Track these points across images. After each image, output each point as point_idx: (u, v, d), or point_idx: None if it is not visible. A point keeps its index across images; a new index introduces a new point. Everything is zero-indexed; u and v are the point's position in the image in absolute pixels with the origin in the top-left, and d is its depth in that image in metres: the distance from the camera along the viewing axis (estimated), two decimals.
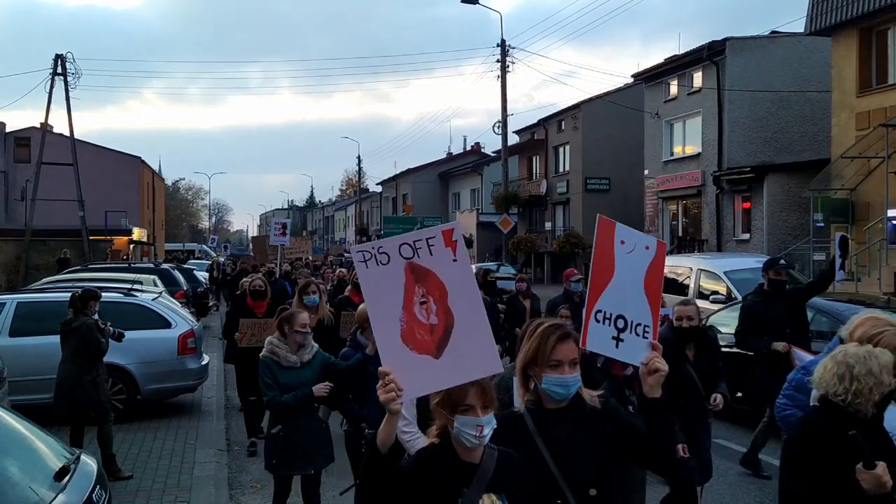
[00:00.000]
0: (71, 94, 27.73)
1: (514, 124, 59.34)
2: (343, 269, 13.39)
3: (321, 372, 5.14)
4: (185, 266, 25.93)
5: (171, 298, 12.54)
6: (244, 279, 10.40)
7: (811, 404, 3.22)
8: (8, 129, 42.52)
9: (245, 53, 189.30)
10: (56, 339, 7.22)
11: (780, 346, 6.44)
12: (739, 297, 10.67)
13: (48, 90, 27.35)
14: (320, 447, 5.14)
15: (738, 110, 25.00)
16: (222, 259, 35.41)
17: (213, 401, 10.37)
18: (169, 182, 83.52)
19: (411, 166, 57.42)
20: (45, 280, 16.44)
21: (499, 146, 33.49)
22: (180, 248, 58.75)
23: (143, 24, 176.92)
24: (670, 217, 29.20)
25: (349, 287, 8.68)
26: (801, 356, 6.18)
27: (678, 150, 28.45)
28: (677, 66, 27.45)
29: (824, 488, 2.77)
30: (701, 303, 9.30)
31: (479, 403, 2.43)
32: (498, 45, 31.33)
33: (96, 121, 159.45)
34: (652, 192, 29.48)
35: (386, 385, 2.34)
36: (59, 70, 27.48)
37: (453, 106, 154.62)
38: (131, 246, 38.14)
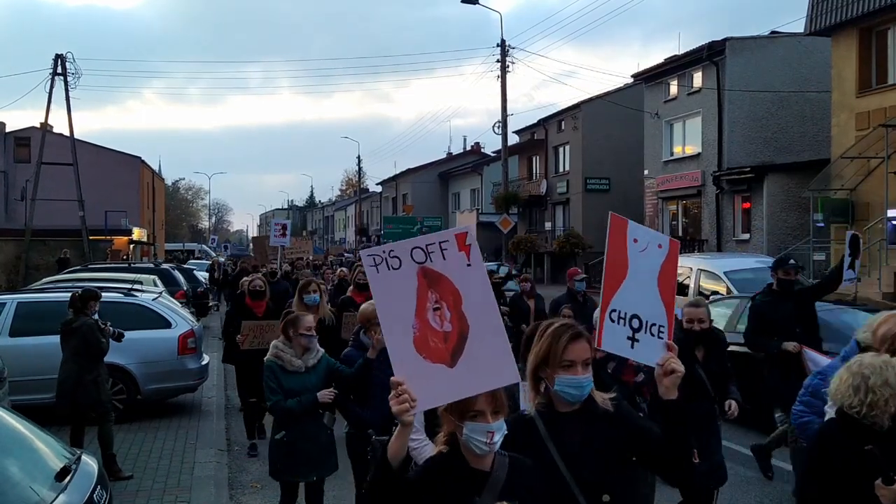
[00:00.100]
0: (71, 94, 27.78)
1: (514, 124, 59.40)
2: (344, 269, 13.36)
3: (326, 377, 5.05)
4: (184, 266, 25.94)
5: (171, 298, 12.54)
6: (244, 279, 10.40)
7: (826, 417, 3.14)
8: (8, 129, 42.51)
9: (245, 53, 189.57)
10: (56, 339, 7.22)
11: (790, 346, 6.32)
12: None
13: (48, 90, 27.38)
14: (325, 454, 5.07)
15: (738, 110, 25.01)
16: (222, 259, 35.41)
17: (214, 401, 10.37)
18: (169, 182, 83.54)
19: (411, 166, 57.47)
20: (45, 280, 16.43)
21: (499, 146, 33.51)
22: (180, 248, 58.72)
23: (143, 24, 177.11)
24: (670, 217, 29.20)
25: (351, 288, 8.62)
26: (813, 356, 6.12)
27: (678, 151, 28.46)
28: (677, 66, 27.46)
29: (838, 501, 2.71)
30: None
31: (489, 409, 2.35)
32: (498, 45, 31.34)
33: (96, 121, 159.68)
34: (652, 192, 29.49)
35: (399, 395, 2.25)
36: (59, 70, 27.48)
37: (453, 106, 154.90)
38: (131, 246, 38.16)
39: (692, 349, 5.08)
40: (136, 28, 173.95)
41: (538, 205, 39.54)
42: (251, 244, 36.55)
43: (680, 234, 28.20)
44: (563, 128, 37.28)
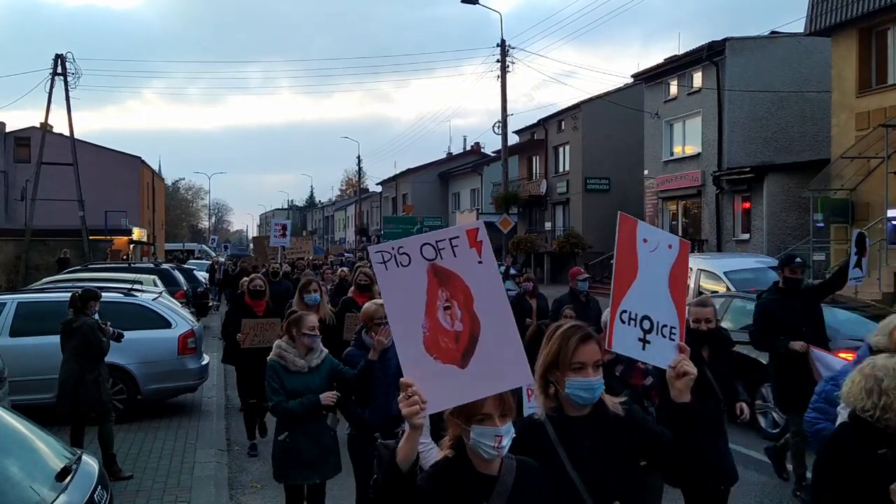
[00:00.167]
0: (71, 94, 27.81)
1: (513, 124, 59.41)
2: (345, 269, 13.36)
3: (329, 378, 4.98)
4: (184, 266, 25.95)
5: (171, 298, 12.55)
6: (243, 279, 10.40)
7: (839, 420, 3.09)
8: (8, 129, 42.51)
9: (245, 53, 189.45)
10: (56, 339, 7.23)
11: (798, 345, 6.23)
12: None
13: (48, 90, 27.40)
14: (327, 456, 4.99)
15: (738, 110, 25.01)
16: (222, 259, 35.41)
17: (214, 401, 10.37)
18: (169, 182, 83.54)
19: (411, 166, 57.41)
20: (45, 280, 16.44)
21: (499, 146, 33.50)
22: (180, 248, 58.73)
23: (143, 24, 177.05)
24: (670, 217, 29.20)
25: (352, 289, 8.57)
26: (820, 356, 6.07)
27: (678, 151, 28.46)
28: (677, 66, 27.46)
29: None
30: None
31: (496, 412, 2.28)
32: (498, 45, 31.32)
33: (96, 121, 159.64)
34: (652, 192, 29.49)
35: (409, 398, 2.17)
36: (59, 70, 27.50)
37: (453, 106, 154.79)
38: (131, 246, 38.18)
39: (699, 349, 4.99)
40: (136, 28, 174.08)
41: (538, 205, 39.53)
42: (251, 244, 36.56)
43: (680, 234, 28.18)
44: (563, 128, 37.27)
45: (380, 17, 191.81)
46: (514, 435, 2.32)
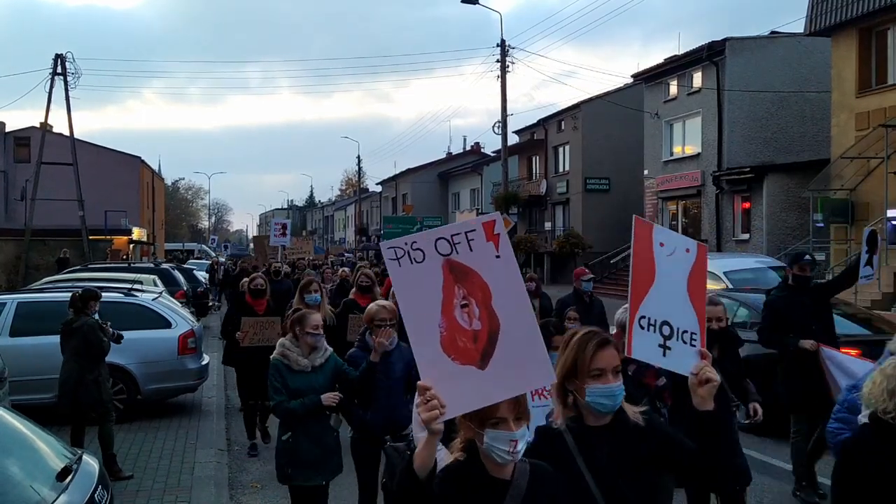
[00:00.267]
0: (71, 93, 27.80)
1: (513, 124, 59.39)
2: (346, 269, 13.35)
3: (333, 377, 4.92)
4: (184, 266, 25.95)
5: (171, 298, 12.55)
6: (244, 280, 10.38)
7: (860, 422, 3.04)
8: (8, 129, 42.52)
9: (245, 53, 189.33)
10: (56, 339, 7.23)
11: (807, 344, 6.12)
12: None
13: (48, 90, 27.39)
14: (330, 456, 4.93)
15: (738, 110, 25.02)
16: (222, 259, 35.42)
17: (214, 401, 10.37)
18: (169, 182, 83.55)
19: (411, 166, 57.42)
20: (44, 280, 16.44)
21: (498, 146, 33.49)
22: (180, 247, 58.72)
23: (143, 23, 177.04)
24: (670, 217, 29.21)
25: (354, 290, 8.49)
26: (831, 354, 5.99)
27: (678, 151, 28.48)
28: (677, 66, 27.48)
29: None
30: None
31: (511, 416, 2.19)
32: (498, 45, 31.31)
33: (96, 120, 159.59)
34: (651, 192, 29.50)
35: (427, 402, 2.07)
36: (59, 70, 27.49)
37: (453, 106, 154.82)
38: (131, 246, 38.18)
39: (709, 348, 4.95)
40: (136, 28, 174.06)
41: (538, 205, 39.53)
42: (252, 244, 36.58)
43: (679, 234, 28.19)
44: (562, 128, 37.27)
45: (380, 17, 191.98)
46: (528, 440, 2.25)
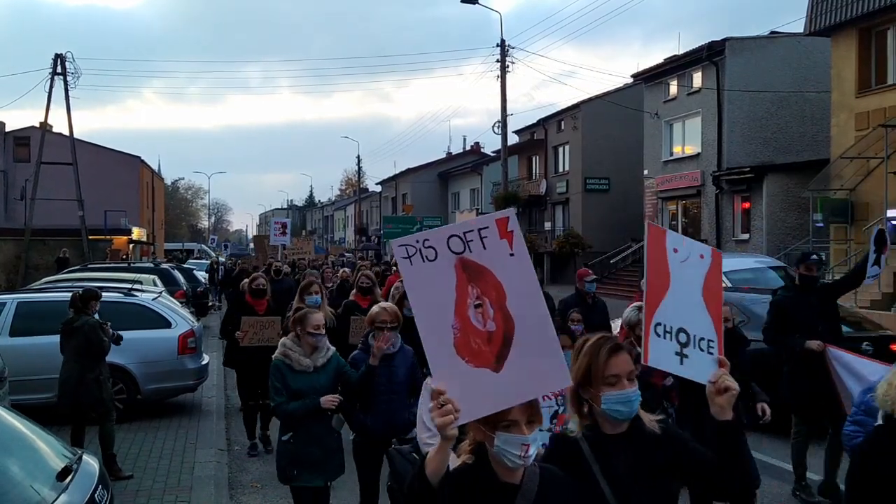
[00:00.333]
0: (70, 93, 27.81)
1: (513, 124, 59.41)
2: (346, 270, 13.32)
3: (335, 378, 4.86)
4: (184, 266, 25.95)
5: (171, 298, 12.54)
6: (244, 281, 10.35)
7: (876, 424, 3.03)
8: (7, 129, 42.49)
9: (245, 53, 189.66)
10: (56, 338, 7.22)
11: (814, 344, 6.03)
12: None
13: (48, 90, 27.39)
14: (331, 457, 4.86)
15: (738, 110, 25.02)
16: (222, 259, 35.40)
17: (213, 401, 10.36)
18: (168, 181, 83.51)
19: (411, 166, 57.37)
20: (44, 280, 16.44)
21: (498, 146, 33.49)
22: (179, 247, 58.70)
23: (143, 23, 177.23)
24: (670, 217, 29.21)
25: (354, 291, 8.44)
26: (837, 355, 5.93)
27: (678, 151, 28.48)
28: (677, 66, 27.48)
29: None
30: None
31: (523, 419, 2.13)
32: (498, 45, 31.31)
33: (96, 120, 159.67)
34: (651, 192, 29.50)
35: (441, 406, 2.00)
36: (59, 70, 27.49)
37: (453, 106, 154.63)
38: (131, 245, 38.16)
39: None
40: (136, 28, 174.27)
41: (538, 205, 39.53)
42: (253, 243, 36.55)
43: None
44: (562, 128, 37.27)
45: (380, 17, 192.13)
46: (540, 444, 2.20)
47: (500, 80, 31.43)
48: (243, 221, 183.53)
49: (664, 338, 2.46)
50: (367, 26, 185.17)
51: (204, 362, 10.06)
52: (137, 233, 39.87)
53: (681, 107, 27.59)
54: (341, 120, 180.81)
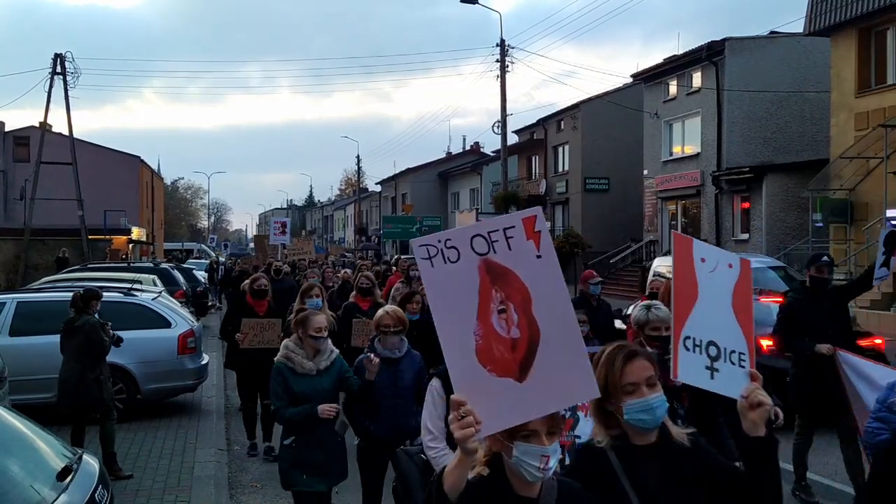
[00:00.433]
0: (70, 93, 27.81)
1: (513, 124, 59.30)
2: (347, 271, 13.31)
3: (339, 381, 4.80)
4: (184, 265, 25.95)
5: (171, 298, 12.55)
6: (245, 282, 10.32)
7: None
8: (7, 129, 42.48)
9: (245, 53, 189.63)
10: (56, 338, 7.22)
11: (824, 348, 5.89)
12: None
13: (47, 89, 27.38)
14: (334, 462, 4.79)
15: (738, 110, 25.03)
16: (222, 258, 35.40)
17: (213, 401, 10.37)
18: (168, 181, 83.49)
19: (410, 166, 57.33)
20: (43, 280, 16.44)
21: (498, 146, 33.47)
22: (179, 247, 58.68)
23: (143, 23, 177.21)
24: (669, 217, 29.22)
25: (354, 293, 8.37)
26: (848, 359, 5.82)
27: (677, 150, 28.49)
28: (676, 66, 27.48)
29: None
30: None
31: (544, 429, 2.01)
32: (497, 45, 31.28)
33: (95, 120, 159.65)
34: (651, 192, 29.50)
35: (461, 418, 1.89)
36: (59, 69, 27.48)
37: (453, 105, 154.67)
38: (130, 245, 38.14)
39: None
40: (136, 27, 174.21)
41: (537, 204, 39.43)
42: (254, 243, 36.57)
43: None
44: (562, 128, 37.28)
45: (380, 17, 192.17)
46: (560, 456, 2.10)
47: (499, 79, 31.41)
48: (243, 221, 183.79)
49: (694, 351, 2.38)
50: (367, 26, 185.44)
51: (203, 362, 10.07)
52: (137, 232, 39.86)
53: (680, 107, 27.60)
54: (341, 120, 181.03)
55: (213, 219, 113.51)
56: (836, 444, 6.33)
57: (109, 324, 7.28)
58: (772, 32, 26.66)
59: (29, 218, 27.59)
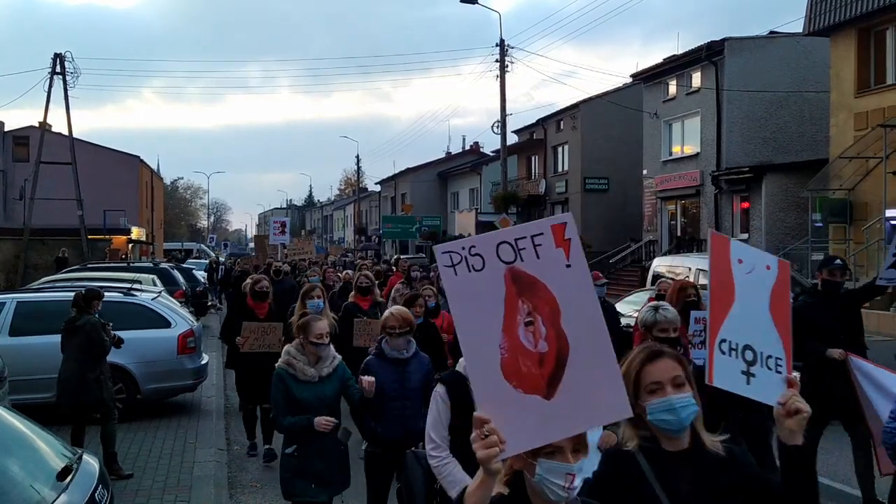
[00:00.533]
0: (70, 93, 27.76)
1: (513, 124, 59.13)
2: (349, 272, 13.30)
3: (341, 388, 4.73)
4: (183, 265, 25.94)
5: (171, 298, 12.55)
6: (246, 282, 10.29)
7: None
8: (7, 129, 42.46)
9: (245, 53, 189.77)
10: (56, 338, 7.23)
11: (836, 353, 5.78)
12: None
13: (47, 89, 27.34)
14: (336, 471, 4.70)
15: (737, 110, 25.04)
16: (222, 258, 35.39)
17: (213, 401, 10.37)
18: (167, 181, 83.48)
19: (410, 166, 57.35)
20: (43, 279, 16.44)
21: (498, 146, 33.46)
22: (179, 247, 58.64)
23: (142, 23, 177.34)
24: (669, 217, 29.23)
25: (353, 292, 8.32)
26: (859, 364, 5.75)
27: (677, 150, 28.50)
28: (676, 66, 27.50)
29: None
30: None
31: (569, 446, 1.90)
32: (497, 45, 31.27)
33: (95, 120, 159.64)
34: (651, 191, 29.51)
35: (485, 437, 1.77)
36: (58, 69, 27.45)
37: (452, 105, 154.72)
38: (130, 245, 38.13)
39: None
40: (135, 27, 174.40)
41: (537, 204, 39.52)
42: (254, 242, 36.55)
43: (678, 234, 28.26)
44: (562, 127, 37.29)
45: (380, 17, 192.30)
46: (586, 475, 2.00)
47: (499, 79, 31.39)
48: (242, 221, 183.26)
49: (729, 355, 2.30)
50: (367, 26, 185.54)
51: (203, 362, 10.06)
52: (136, 232, 39.85)
53: (680, 107, 27.61)
54: (341, 120, 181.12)
55: (212, 219, 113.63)
56: (836, 445, 6.33)
57: (110, 324, 7.29)
58: (771, 32, 26.68)
59: (28, 218, 27.58)
